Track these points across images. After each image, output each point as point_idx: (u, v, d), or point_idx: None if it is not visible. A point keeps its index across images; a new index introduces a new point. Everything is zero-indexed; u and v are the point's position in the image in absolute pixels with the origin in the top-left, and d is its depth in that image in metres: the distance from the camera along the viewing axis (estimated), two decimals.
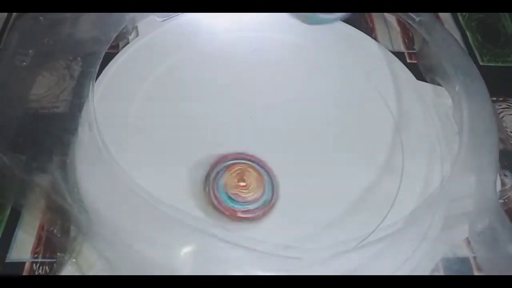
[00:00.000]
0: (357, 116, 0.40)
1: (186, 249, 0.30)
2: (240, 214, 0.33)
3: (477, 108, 0.38)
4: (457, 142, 0.37)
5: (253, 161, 0.35)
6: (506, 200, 0.37)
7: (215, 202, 0.33)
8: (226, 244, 0.31)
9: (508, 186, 0.38)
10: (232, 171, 0.34)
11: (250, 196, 0.33)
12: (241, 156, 0.35)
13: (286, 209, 0.34)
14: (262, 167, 0.35)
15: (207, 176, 0.34)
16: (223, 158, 0.35)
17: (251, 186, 0.34)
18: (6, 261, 0.33)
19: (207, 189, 0.34)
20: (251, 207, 0.33)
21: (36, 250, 0.34)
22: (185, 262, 0.30)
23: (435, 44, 0.42)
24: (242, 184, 0.34)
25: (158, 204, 0.32)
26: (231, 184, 0.34)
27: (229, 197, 0.33)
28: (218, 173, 0.34)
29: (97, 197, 0.32)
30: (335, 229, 0.34)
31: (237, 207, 0.33)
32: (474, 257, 0.35)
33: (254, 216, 0.33)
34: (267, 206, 0.33)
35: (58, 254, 0.33)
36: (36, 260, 0.34)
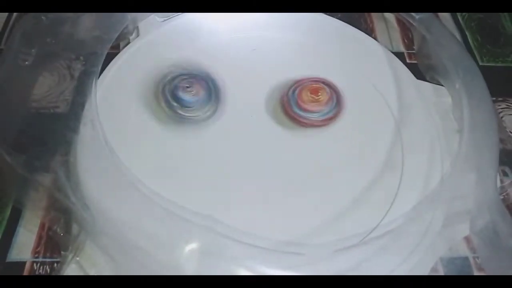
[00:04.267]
0: (357, 114, 0.40)
1: (190, 247, 0.31)
2: None
3: (477, 105, 0.38)
4: (457, 140, 0.38)
5: None
6: (505, 196, 0.37)
7: None
8: (230, 241, 0.31)
9: (507, 183, 0.38)
10: None
11: None
12: None
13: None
14: None
15: None
16: None
17: None
18: (7, 260, 0.33)
19: None
20: None
21: (37, 250, 0.34)
22: (188, 260, 0.30)
23: (435, 41, 0.43)
24: None
25: (162, 202, 0.32)
26: None
27: None
28: None
29: (100, 195, 0.32)
30: (336, 226, 0.34)
31: None
32: (474, 257, 0.35)
33: None
34: None
35: (62, 252, 0.33)
36: (37, 259, 0.34)
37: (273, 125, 0.39)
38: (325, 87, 0.39)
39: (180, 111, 0.38)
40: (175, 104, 0.38)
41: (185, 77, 0.39)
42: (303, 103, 0.38)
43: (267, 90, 0.41)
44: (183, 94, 0.38)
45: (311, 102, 0.38)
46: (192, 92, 0.38)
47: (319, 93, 0.39)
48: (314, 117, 0.38)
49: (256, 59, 0.44)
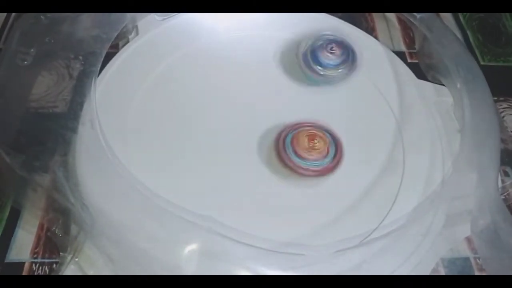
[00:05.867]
0: (358, 114, 0.40)
1: (189, 247, 0.30)
2: None
3: (479, 105, 0.38)
4: (458, 140, 0.37)
5: None
6: (506, 197, 0.37)
7: None
8: (230, 241, 0.31)
9: (508, 183, 0.38)
10: None
11: None
12: None
13: None
14: None
15: None
16: None
17: None
18: (5, 261, 0.33)
19: None
20: None
21: (36, 250, 0.34)
22: (188, 260, 0.30)
23: (436, 41, 0.43)
24: None
25: (161, 202, 0.32)
26: None
27: None
28: None
29: (99, 195, 0.32)
30: (336, 226, 0.34)
31: None
32: (475, 257, 0.35)
33: None
34: None
35: (61, 253, 0.32)
36: (36, 260, 0.34)
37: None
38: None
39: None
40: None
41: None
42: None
43: (267, 89, 0.41)
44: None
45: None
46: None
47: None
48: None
49: (256, 57, 0.44)
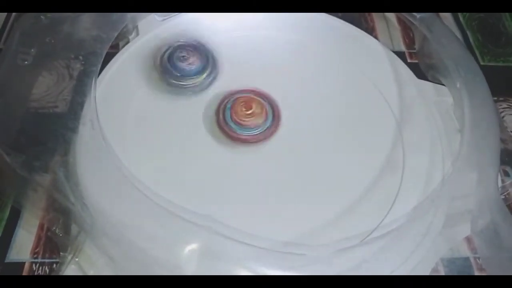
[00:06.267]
0: (358, 114, 0.40)
1: (189, 247, 0.30)
2: None
3: (479, 105, 0.38)
4: (458, 139, 0.37)
5: None
6: (506, 196, 0.37)
7: None
8: (230, 241, 0.31)
9: (508, 183, 0.38)
10: None
11: None
12: None
13: None
14: None
15: None
16: None
17: None
18: (5, 261, 0.33)
19: None
20: None
21: (36, 250, 0.34)
22: (188, 260, 0.30)
23: (436, 41, 0.42)
24: None
25: (161, 202, 0.32)
26: None
27: None
28: None
29: (99, 195, 0.32)
30: (336, 226, 0.34)
31: None
32: (475, 257, 0.35)
33: None
34: None
35: (61, 253, 0.32)
36: (36, 260, 0.34)
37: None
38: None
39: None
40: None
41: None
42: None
43: (267, 89, 0.41)
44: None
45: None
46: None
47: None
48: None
49: (256, 57, 0.44)
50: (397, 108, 0.41)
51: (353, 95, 0.42)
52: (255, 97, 0.39)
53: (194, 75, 0.40)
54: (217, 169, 0.37)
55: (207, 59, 0.41)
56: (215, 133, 0.38)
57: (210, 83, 0.41)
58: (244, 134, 0.37)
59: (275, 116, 0.39)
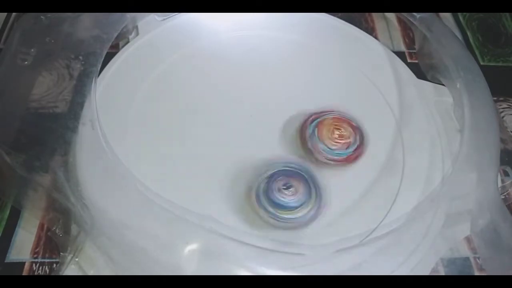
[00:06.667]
0: (358, 114, 0.40)
1: (190, 247, 0.30)
2: None
3: (478, 105, 0.38)
4: (458, 139, 0.37)
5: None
6: (506, 196, 0.37)
7: None
8: (230, 241, 0.31)
9: (508, 183, 0.38)
10: None
11: None
12: None
13: None
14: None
15: None
16: None
17: None
18: (6, 261, 0.33)
19: None
20: None
21: (36, 250, 0.34)
22: (188, 260, 0.30)
23: (436, 41, 0.42)
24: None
25: (161, 202, 0.32)
26: None
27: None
28: None
29: (100, 195, 0.32)
30: (336, 226, 0.34)
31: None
32: (475, 257, 0.35)
33: None
34: None
35: (61, 253, 0.32)
36: (36, 260, 0.34)
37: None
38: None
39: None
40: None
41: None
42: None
43: (267, 89, 0.41)
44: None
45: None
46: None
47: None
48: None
49: (256, 57, 0.44)
50: (397, 108, 0.41)
51: (353, 95, 0.42)
52: None
53: None
54: (217, 169, 0.37)
55: None
56: None
57: None
58: None
59: None
